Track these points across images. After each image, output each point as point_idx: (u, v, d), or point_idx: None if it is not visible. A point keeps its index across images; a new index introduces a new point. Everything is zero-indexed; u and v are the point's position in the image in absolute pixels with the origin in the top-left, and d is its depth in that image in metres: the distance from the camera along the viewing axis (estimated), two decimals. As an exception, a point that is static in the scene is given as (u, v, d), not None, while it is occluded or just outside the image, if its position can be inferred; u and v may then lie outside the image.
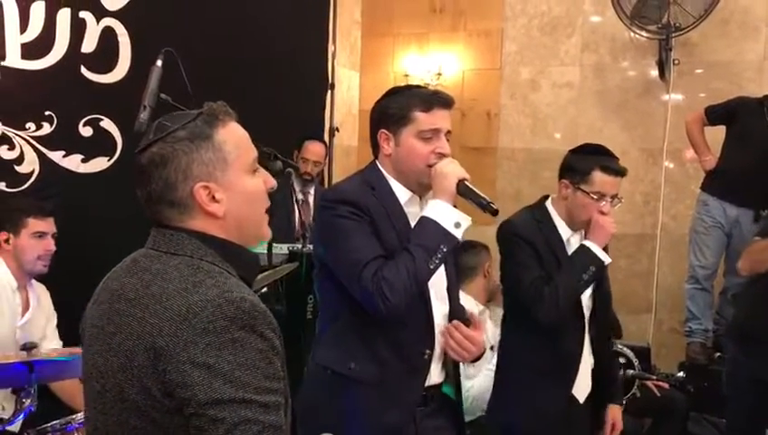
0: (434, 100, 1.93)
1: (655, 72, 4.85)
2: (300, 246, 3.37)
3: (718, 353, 4.02)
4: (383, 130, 1.97)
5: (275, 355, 1.17)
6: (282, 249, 3.34)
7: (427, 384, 1.96)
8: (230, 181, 1.26)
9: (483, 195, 1.85)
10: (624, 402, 3.23)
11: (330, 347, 2.00)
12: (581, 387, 2.44)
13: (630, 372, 3.24)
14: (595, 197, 2.33)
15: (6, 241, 2.71)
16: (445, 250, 1.84)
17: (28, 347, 2.14)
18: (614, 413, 2.58)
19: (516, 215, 2.53)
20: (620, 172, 2.36)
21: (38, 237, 2.73)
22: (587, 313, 2.45)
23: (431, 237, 1.84)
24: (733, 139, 4.16)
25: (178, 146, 1.23)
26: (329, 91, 4.59)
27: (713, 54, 4.78)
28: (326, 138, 4.42)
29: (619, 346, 3.34)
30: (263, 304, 1.19)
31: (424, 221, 1.86)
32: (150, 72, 2.42)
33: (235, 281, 1.21)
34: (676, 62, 4.69)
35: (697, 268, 4.20)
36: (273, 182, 1.35)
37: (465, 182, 1.87)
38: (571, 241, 2.44)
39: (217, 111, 1.28)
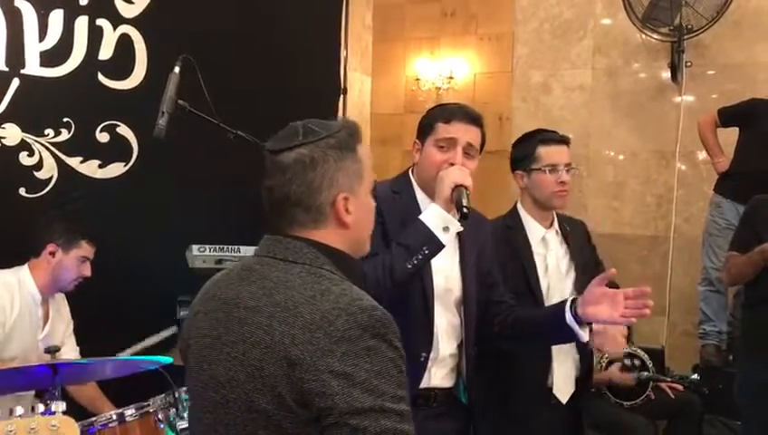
0: (456, 112, 2.01)
1: (667, 75, 4.86)
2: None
3: (732, 356, 4.01)
4: (416, 140, 2.07)
5: (403, 363, 1.16)
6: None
7: (427, 386, 1.99)
8: (361, 196, 1.29)
9: (465, 203, 1.85)
10: (638, 402, 3.26)
11: None
12: (562, 387, 2.39)
13: (645, 374, 3.24)
14: (548, 169, 2.36)
15: (52, 254, 2.66)
16: (427, 252, 1.85)
17: (51, 350, 2.17)
18: None
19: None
20: (562, 139, 2.41)
21: (82, 262, 2.72)
22: (553, 301, 2.36)
23: (415, 237, 1.86)
24: (746, 140, 4.17)
25: (330, 152, 1.24)
26: (341, 96, 4.62)
27: (725, 56, 4.78)
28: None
29: (633, 348, 3.34)
30: (388, 313, 1.19)
31: (414, 222, 1.89)
32: (168, 79, 2.44)
33: (358, 289, 1.21)
34: (689, 64, 4.70)
35: (711, 270, 4.20)
36: (372, 202, 1.38)
37: (462, 188, 1.88)
38: (548, 238, 2.43)
39: (357, 128, 1.31)
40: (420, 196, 2.04)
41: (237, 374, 1.16)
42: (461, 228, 1.88)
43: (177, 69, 2.46)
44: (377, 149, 5.39)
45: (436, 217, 1.87)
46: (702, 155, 4.68)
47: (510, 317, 2.10)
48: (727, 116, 4.21)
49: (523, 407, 2.18)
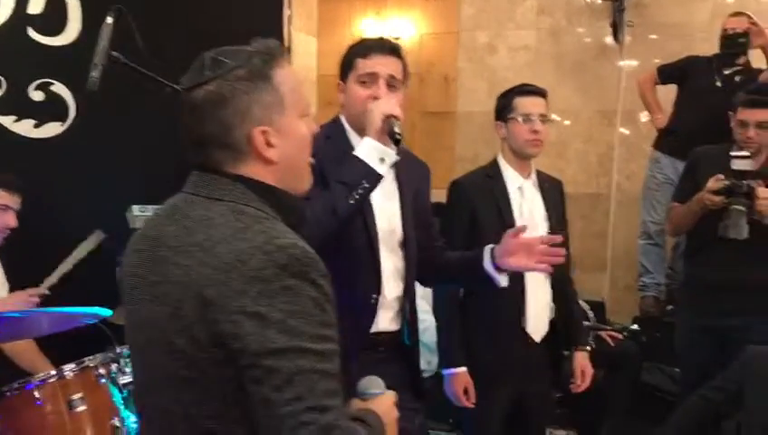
0: (373, 45, 2.00)
1: (609, 35, 4.92)
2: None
3: (670, 306, 4.15)
4: (339, 81, 2.04)
5: (328, 302, 1.12)
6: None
7: (375, 330, 2.01)
8: (285, 126, 1.21)
9: (398, 130, 1.83)
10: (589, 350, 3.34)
11: None
12: (536, 326, 2.52)
13: (585, 323, 3.32)
14: (522, 118, 2.49)
15: None
16: (367, 185, 1.84)
17: (-18, 310, 2.11)
18: (581, 360, 2.67)
19: (469, 172, 2.71)
20: (537, 91, 2.55)
21: (3, 210, 2.65)
22: None
23: (353, 172, 1.85)
24: (683, 97, 4.27)
25: (239, 85, 1.17)
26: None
27: (664, 15, 4.87)
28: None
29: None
30: (313, 250, 1.15)
31: (349, 157, 1.87)
32: (101, 30, 2.37)
33: (283, 227, 1.17)
34: (630, 23, 4.76)
35: (650, 224, 4.32)
36: (315, 127, 1.31)
37: (392, 119, 1.85)
38: (525, 187, 2.55)
39: (274, 50, 1.22)
40: (352, 136, 2.03)
41: (158, 314, 1.15)
42: (397, 157, 1.87)
43: (109, 20, 2.39)
44: (325, 110, 5.34)
45: (370, 149, 1.85)
46: (643, 114, 4.78)
47: (438, 259, 2.17)
48: (665, 73, 4.30)
49: (498, 345, 2.29)
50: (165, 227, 1.20)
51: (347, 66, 2.01)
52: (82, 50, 3.00)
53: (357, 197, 1.83)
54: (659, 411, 3.02)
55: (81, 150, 3.20)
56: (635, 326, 3.83)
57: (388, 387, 2.04)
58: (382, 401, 1.34)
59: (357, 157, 1.86)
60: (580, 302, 3.42)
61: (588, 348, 2.72)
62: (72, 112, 3.26)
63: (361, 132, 1.97)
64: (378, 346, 2.04)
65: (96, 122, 3.20)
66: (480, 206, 2.53)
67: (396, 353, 2.09)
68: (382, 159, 1.85)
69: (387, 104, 1.88)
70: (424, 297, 2.66)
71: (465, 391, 2.47)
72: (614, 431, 2.91)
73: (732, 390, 2.70)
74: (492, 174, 2.58)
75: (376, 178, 1.86)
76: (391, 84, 1.97)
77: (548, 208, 2.58)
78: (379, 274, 2.00)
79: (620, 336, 3.54)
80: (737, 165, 2.73)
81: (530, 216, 2.53)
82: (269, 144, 1.20)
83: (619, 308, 4.62)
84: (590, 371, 2.67)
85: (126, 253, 1.28)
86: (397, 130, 1.83)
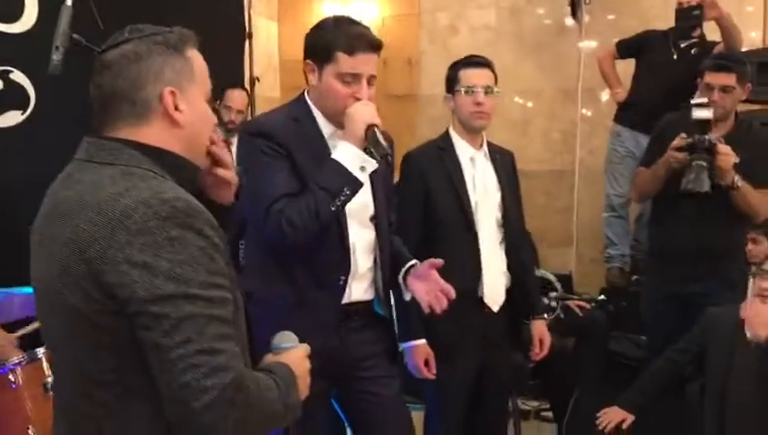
0: (358, 42, 1.93)
1: (568, 13, 4.98)
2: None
3: (636, 276, 4.24)
4: (308, 61, 2.00)
5: (217, 252, 1.17)
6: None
7: (348, 301, 2.05)
8: (193, 97, 1.28)
9: (384, 144, 1.88)
10: (547, 319, 3.41)
11: (252, 272, 2.08)
12: (492, 295, 2.55)
13: (553, 294, 3.39)
14: (465, 90, 2.50)
15: None
16: (348, 192, 1.89)
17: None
18: (538, 328, 2.71)
19: (421, 145, 2.71)
20: (481, 62, 2.55)
21: None
22: (482, 216, 2.54)
23: (335, 179, 1.88)
24: (641, 71, 4.35)
25: (155, 48, 1.24)
26: (246, 41, 4.54)
27: (621, -7, 4.94)
28: (247, 88, 4.40)
29: (542, 271, 3.49)
30: (200, 204, 1.19)
31: (330, 163, 1.90)
32: (60, 13, 2.35)
33: (170, 184, 1.21)
34: (587, 1, 4.82)
35: (613, 197, 4.40)
36: (214, 118, 1.37)
37: (375, 128, 1.89)
38: (476, 158, 2.58)
39: (188, 34, 1.31)
40: (321, 120, 2.03)
41: (51, 272, 1.19)
42: (376, 166, 1.91)
43: (68, 1, 2.36)
44: (288, 95, 5.32)
45: (352, 156, 1.89)
46: (604, 92, 4.85)
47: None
48: (624, 48, 4.38)
49: (456, 316, 2.27)
50: (60, 194, 1.23)
51: (324, 54, 1.95)
52: (40, 37, 2.96)
53: (338, 204, 1.89)
54: (626, 378, 3.09)
55: (42, 139, 3.16)
56: (602, 297, 3.90)
57: (364, 355, 2.10)
58: (294, 353, 1.39)
59: (339, 163, 1.88)
60: (548, 273, 3.50)
61: (545, 316, 2.78)
62: (33, 101, 3.22)
63: (332, 120, 2.00)
64: (352, 316, 2.07)
65: (57, 110, 3.16)
66: (432, 177, 2.53)
67: (370, 322, 2.12)
68: (363, 167, 1.89)
69: (368, 113, 1.91)
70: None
71: (426, 363, 2.46)
72: (583, 398, 2.97)
73: (694, 351, 2.77)
74: (443, 146, 2.59)
75: (357, 186, 1.90)
76: (370, 82, 1.97)
77: (500, 179, 2.60)
78: (348, 255, 2.02)
79: (588, 306, 3.61)
80: (697, 114, 2.80)
81: (482, 186, 2.56)
82: (177, 108, 1.25)
83: (587, 281, 4.70)
84: (547, 339, 2.70)
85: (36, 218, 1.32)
86: (383, 142, 1.87)
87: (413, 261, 2.11)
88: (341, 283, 2.02)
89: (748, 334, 2.49)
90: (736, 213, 2.92)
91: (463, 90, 2.50)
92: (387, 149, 1.88)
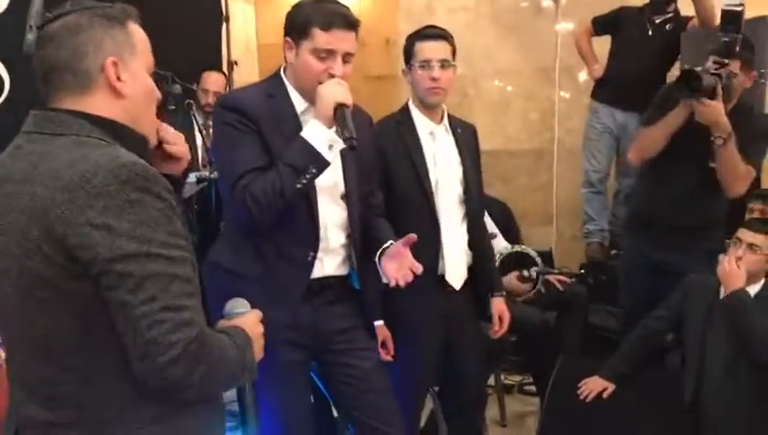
0: (335, 19, 1.93)
1: (545, -6, 5.01)
2: (207, 173, 3.36)
3: (614, 251, 4.29)
4: (287, 38, 2.00)
5: (174, 214, 1.20)
6: (190, 178, 3.32)
7: (321, 275, 2.06)
8: (135, 69, 1.30)
9: (351, 126, 1.87)
10: (531, 297, 3.45)
11: (222, 245, 2.11)
12: (453, 272, 2.49)
13: (534, 269, 3.42)
14: (423, 65, 2.40)
15: None
16: (314, 171, 1.89)
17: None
18: (497, 305, 2.63)
19: (380, 120, 2.55)
20: (437, 35, 2.42)
21: None
22: (442, 193, 2.47)
23: (302, 157, 1.88)
24: (617, 47, 4.37)
25: (96, 20, 1.26)
26: (223, 24, 4.52)
27: (596, -29, 4.95)
28: (225, 71, 4.38)
29: (523, 247, 3.52)
30: (154, 168, 1.22)
31: (298, 140, 1.90)
32: (33, -9, 2.32)
33: (124, 151, 1.23)
34: (563, -19, 4.85)
35: (591, 173, 4.44)
36: (158, 92, 1.39)
37: (344, 108, 1.88)
38: (436, 133, 2.50)
39: (130, 9, 1.33)
40: (295, 96, 2.03)
41: (9, 243, 1.20)
42: (344, 145, 1.90)
43: (41, -20, 2.33)
44: (266, 80, 5.31)
45: (320, 135, 1.89)
46: (582, 72, 4.88)
47: (369, 226, 2.20)
48: (599, 24, 4.40)
49: (417, 294, 2.23)
50: (10, 166, 1.24)
51: (301, 30, 1.94)
52: (12, 21, 2.93)
53: (304, 181, 1.89)
54: (606, 349, 3.13)
55: (18, 123, 3.12)
56: (582, 272, 3.95)
57: (341, 328, 2.12)
58: (247, 317, 1.43)
59: (306, 140, 1.89)
60: (528, 248, 3.53)
61: (503, 293, 2.69)
62: (8, 85, 3.19)
63: (306, 96, 2.00)
64: (326, 290, 2.09)
65: (32, 94, 3.12)
66: (391, 152, 2.44)
67: (345, 296, 2.15)
68: (330, 146, 1.89)
69: (339, 92, 1.89)
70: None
71: (383, 345, 2.40)
72: (564, 370, 3.00)
73: (673, 319, 2.81)
74: (401, 120, 2.50)
75: (323, 165, 1.90)
76: (345, 60, 1.96)
77: (461, 153, 2.53)
78: (317, 231, 2.03)
79: (569, 281, 3.65)
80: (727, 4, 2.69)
81: (443, 161, 2.49)
82: (119, 78, 1.26)
83: (567, 258, 4.74)
84: (506, 316, 2.62)
85: None
86: (350, 125, 1.85)
87: (389, 242, 2.10)
88: (310, 259, 2.04)
89: (723, 293, 2.56)
90: (720, 185, 2.89)
91: (417, 64, 2.41)
92: (352, 132, 1.85)
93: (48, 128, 1.24)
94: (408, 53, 2.46)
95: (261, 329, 1.43)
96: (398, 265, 2.02)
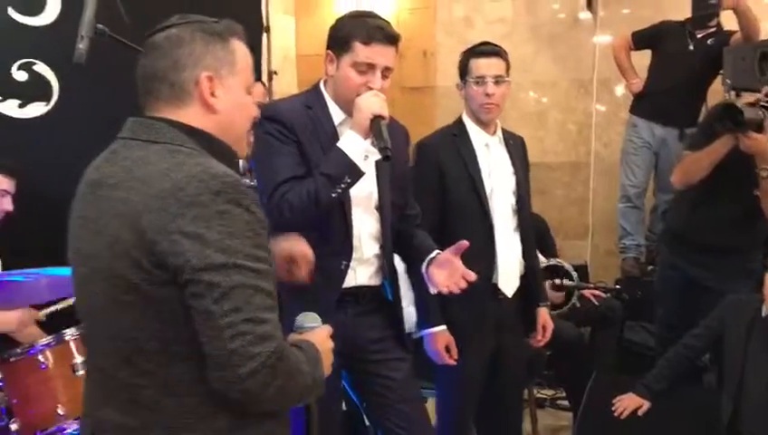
0: (375, 34, 1.98)
1: (583, 6, 4.98)
2: (248, 181, 3.41)
3: (651, 267, 4.25)
4: (329, 51, 2.06)
5: (262, 228, 1.22)
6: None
7: (354, 285, 2.10)
8: (231, 85, 1.32)
9: (386, 137, 1.90)
10: (566, 311, 3.44)
11: None
12: (507, 281, 2.56)
13: (570, 282, 3.40)
14: (477, 81, 2.47)
15: None
16: (349, 181, 1.93)
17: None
18: (542, 315, 2.70)
19: (433, 133, 2.68)
20: (492, 52, 2.50)
21: (2, 195, 2.67)
22: (497, 203, 2.54)
23: (337, 167, 1.93)
24: (657, 62, 4.34)
25: (199, 34, 1.30)
26: (264, 35, 4.59)
27: (636, -16, 4.93)
28: (265, 82, 4.45)
29: (559, 260, 3.51)
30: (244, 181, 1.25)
31: (334, 150, 1.95)
32: (85, 2, 2.39)
33: (215, 161, 1.25)
34: (602, -7, 4.83)
35: (629, 187, 4.40)
36: (257, 110, 1.42)
37: (381, 120, 1.93)
38: (490, 144, 2.57)
39: (236, 27, 1.36)
40: (333, 108, 2.08)
41: (99, 246, 1.23)
42: (379, 156, 1.94)
43: (93, -8, 2.41)
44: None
45: (356, 146, 1.94)
46: (620, 85, 4.85)
47: (407, 235, 2.23)
48: (639, 39, 4.37)
49: (471, 302, 2.29)
50: (105, 170, 1.28)
51: (343, 44, 2.00)
52: (63, 29, 3.02)
53: (339, 191, 1.93)
54: (641, 366, 3.11)
55: (66, 130, 3.22)
56: (618, 287, 3.92)
57: (374, 338, 2.14)
58: (318, 332, 1.44)
59: (342, 151, 1.93)
60: (564, 262, 3.52)
61: (548, 304, 2.77)
62: (56, 92, 3.28)
63: (344, 108, 2.04)
64: (360, 299, 2.12)
65: (81, 101, 3.21)
66: (447, 164, 2.51)
67: (378, 307, 2.17)
68: (366, 157, 1.93)
69: (376, 103, 1.94)
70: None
71: (447, 349, 2.46)
72: (598, 386, 2.98)
73: (712, 338, 2.78)
74: (457, 132, 2.57)
75: (358, 175, 1.95)
76: (384, 75, 2.01)
77: (514, 165, 2.60)
78: (350, 241, 2.07)
79: (604, 295, 3.62)
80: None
81: (497, 171, 2.55)
82: (213, 93, 1.30)
83: (602, 273, 4.70)
84: (550, 326, 2.69)
85: (74, 201, 1.35)
86: (385, 135, 1.89)
87: (435, 251, 2.12)
88: (343, 267, 2.07)
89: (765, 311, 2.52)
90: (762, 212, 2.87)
91: (473, 80, 2.49)
92: (387, 142, 1.89)
93: (144, 134, 1.27)
94: (463, 69, 2.53)
95: (330, 344, 1.42)
96: (448, 274, 2.04)
